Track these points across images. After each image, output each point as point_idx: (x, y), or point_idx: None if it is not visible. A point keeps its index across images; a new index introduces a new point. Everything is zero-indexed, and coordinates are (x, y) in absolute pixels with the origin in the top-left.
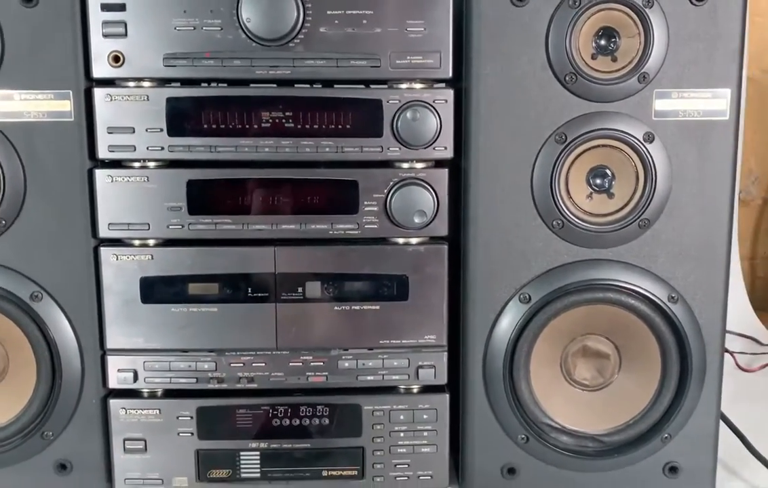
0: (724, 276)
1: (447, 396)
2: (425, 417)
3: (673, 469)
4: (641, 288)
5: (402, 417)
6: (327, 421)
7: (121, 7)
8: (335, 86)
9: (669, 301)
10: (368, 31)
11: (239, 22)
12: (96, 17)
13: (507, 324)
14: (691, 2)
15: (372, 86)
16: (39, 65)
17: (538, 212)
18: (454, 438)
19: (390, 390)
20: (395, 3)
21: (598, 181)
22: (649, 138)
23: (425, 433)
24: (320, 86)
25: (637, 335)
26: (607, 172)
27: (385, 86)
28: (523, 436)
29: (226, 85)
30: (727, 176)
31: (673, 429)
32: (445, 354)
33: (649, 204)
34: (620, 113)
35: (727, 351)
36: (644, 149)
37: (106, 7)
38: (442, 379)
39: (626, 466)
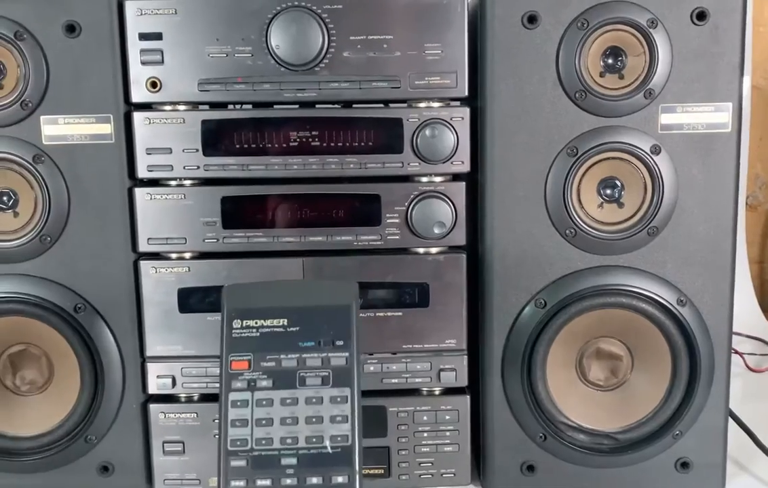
0: (729, 280)
1: (468, 397)
2: (447, 417)
3: (685, 464)
4: (651, 292)
5: (425, 418)
6: None
7: (158, 36)
8: (358, 106)
9: (678, 304)
10: (388, 55)
11: (269, 49)
12: (134, 46)
13: (524, 328)
14: (693, 22)
15: (392, 106)
16: (81, 91)
17: (551, 221)
18: (475, 437)
19: (413, 392)
20: (414, 28)
21: (609, 192)
22: (656, 150)
23: (447, 433)
24: (343, 107)
25: (648, 337)
26: (617, 182)
27: (405, 105)
28: (541, 435)
29: (251, 106)
30: (731, 185)
31: (683, 426)
32: (465, 357)
33: (657, 212)
34: (628, 127)
35: (736, 352)
36: (651, 161)
37: (143, 37)
38: (463, 381)
39: (639, 462)
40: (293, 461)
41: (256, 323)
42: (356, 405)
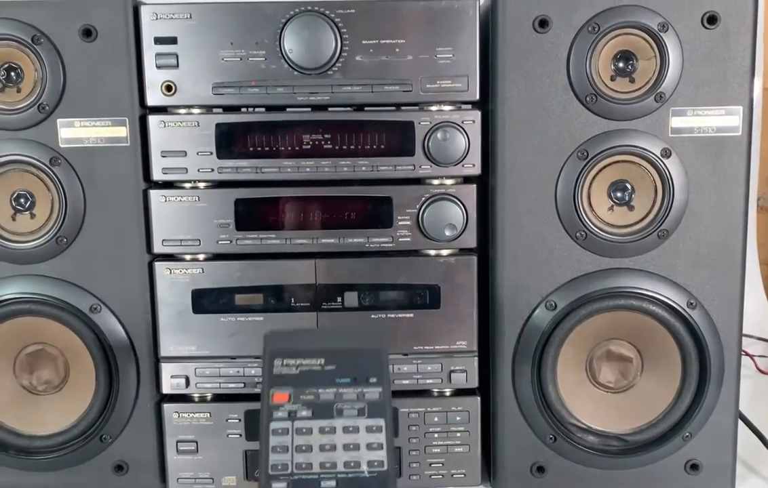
0: (739, 282)
1: (478, 398)
2: (458, 419)
3: (695, 466)
4: (661, 295)
5: (436, 419)
6: None
7: (173, 41)
8: (370, 109)
9: (688, 307)
10: (401, 59)
11: (282, 53)
12: (150, 50)
13: (534, 330)
14: (704, 26)
15: (404, 109)
16: (97, 95)
17: (562, 224)
18: (485, 438)
19: (424, 393)
20: (425, 32)
21: (619, 194)
22: (666, 153)
23: (458, 434)
24: (356, 110)
25: (658, 339)
26: (627, 185)
27: (417, 109)
28: (551, 436)
29: (264, 109)
30: (741, 188)
31: (693, 428)
32: (476, 359)
33: (667, 215)
34: (638, 130)
35: (746, 354)
36: (662, 164)
37: (159, 41)
38: (474, 383)
39: (649, 464)
40: (332, 484)
41: (295, 362)
42: (390, 434)
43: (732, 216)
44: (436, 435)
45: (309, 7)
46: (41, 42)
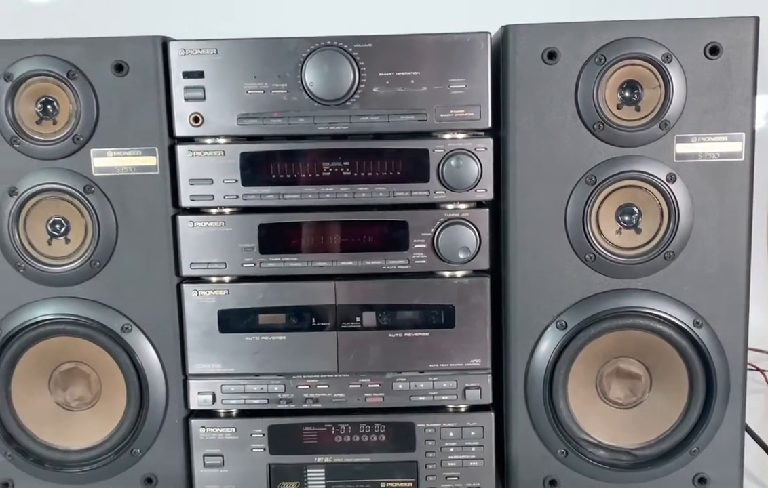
0: (744, 302)
1: (492, 414)
2: (473, 434)
3: (702, 480)
4: (668, 314)
5: (451, 434)
6: (384, 438)
7: (200, 75)
8: (387, 138)
9: (694, 326)
10: (416, 90)
11: (303, 86)
12: (178, 84)
13: (546, 348)
14: (707, 56)
15: (419, 137)
16: (129, 126)
17: (571, 246)
18: (499, 452)
19: (440, 409)
20: (439, 64)
21: (626, 218)
22: (672, 178)
23: (473, 448)
24: (373, 139)
25: (666, 357)
26: (634, 209)
27: (431, 137)
28: (562, 450)
29: (286, 139)
30: (744, 211)
31: (701, 442)
32: (490, 376)
33: (673, 238)
34: (644, 156)
35: (758, 369)
36: (667, 188)
37: (187, 75)
38: (488, 399)
39: (658, 477)
40: None
41: None
42: None
43: (736, 238)
44: (451, 449)
45: (328, 43)
46: (76, 77)
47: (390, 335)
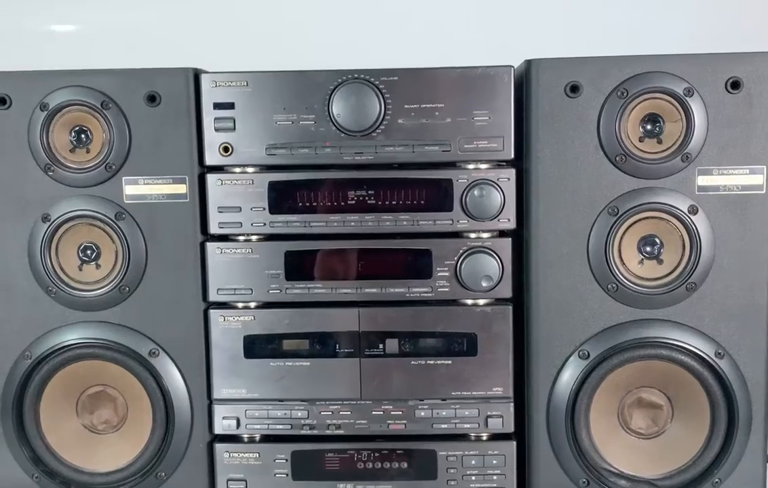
0: (766, 332)
1: (514, 443)
2: (494, 462)
3: None
4: (690, 345)
5: (473, 462)
6: (406, 465)
7: (231, 106)
8: (411, 168)
9: (716, 357)
10: (440, 122)
11: (330, 117)
12: (209, 114)
13: (568, 378)
14: (728, 91)
15: (443, 167)
16: (160, 155)
17: (594, 276)
18: (521, 480)
19: (462, 437)
20: (463, 96)
21: (648, 249)
22: (693, 210)
23: (495, 477)
24: (398, 168)
25: (688, 387)
26: (656, 240)
27: (455, 167)
28: (584, 480)
29: (311, 168)
30: (765, 242)
31: (723, 473)
32: (512, 404)
33: (695, 269)
34: (666, 188)
35: None
36: (689, 220)
37: (217, 106)
38: (509, 428)
39: None
40: None
41: None
42: None
43: (757, 269)
44: (473, 477)
45: (355, 76)
46: (110, 107)
47: (413, 362)
